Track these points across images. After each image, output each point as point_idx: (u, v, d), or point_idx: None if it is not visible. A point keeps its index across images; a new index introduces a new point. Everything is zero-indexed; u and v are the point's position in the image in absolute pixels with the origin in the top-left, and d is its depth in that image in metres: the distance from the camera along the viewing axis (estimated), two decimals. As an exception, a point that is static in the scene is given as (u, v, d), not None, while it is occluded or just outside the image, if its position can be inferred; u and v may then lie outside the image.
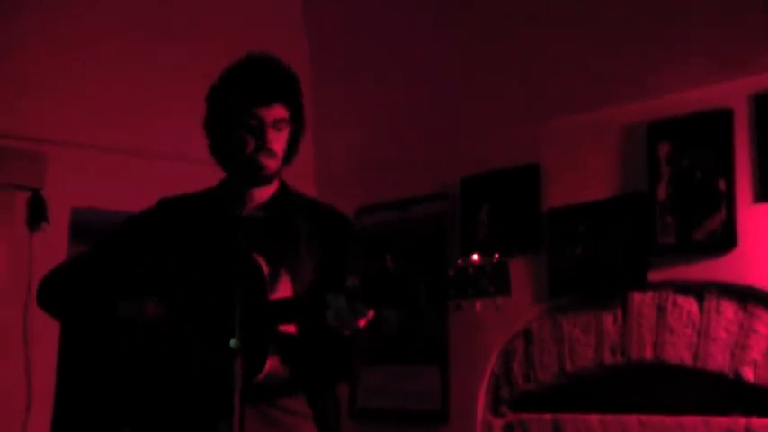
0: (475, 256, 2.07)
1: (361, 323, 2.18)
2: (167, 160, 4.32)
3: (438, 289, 2.10)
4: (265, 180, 2.46)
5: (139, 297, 2.36)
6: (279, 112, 2.41)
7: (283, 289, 2.34)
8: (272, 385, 2.30)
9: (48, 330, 4.14)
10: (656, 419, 3.67)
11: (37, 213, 4.19)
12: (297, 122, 2.48)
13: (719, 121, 3.58)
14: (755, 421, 3.43)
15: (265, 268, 2.31)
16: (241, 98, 2.41)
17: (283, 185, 2.54)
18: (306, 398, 2.40)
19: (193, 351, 2.30)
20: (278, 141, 2.42)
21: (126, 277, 2.41)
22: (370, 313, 2.17)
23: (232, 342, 2.10)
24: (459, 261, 2.08)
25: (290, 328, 2.33)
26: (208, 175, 2.57)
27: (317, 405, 2.41)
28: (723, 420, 3.50)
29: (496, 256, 2.07)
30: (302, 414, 2.39)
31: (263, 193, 2.48)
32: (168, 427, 2.34)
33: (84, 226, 4.13)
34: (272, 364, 2.26)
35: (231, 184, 2.50)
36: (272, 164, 2.42)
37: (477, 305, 2.08)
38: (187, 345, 2.31)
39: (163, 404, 2.33)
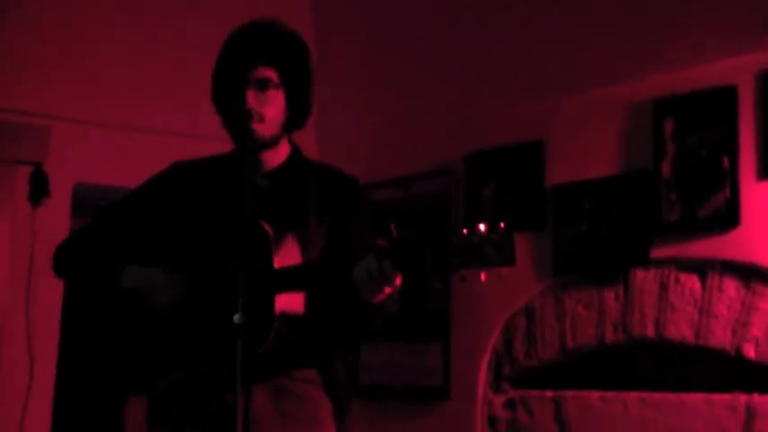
0: (481, 226, 2.03)
1: (388, 290, 2.13)
2: (171, 136, 4.30)
3: (443, 258, 2.06)
4: (259, 145, 2.37)
5: (148, 264, 2.34)
6: (264, 72, 2.34)
7: (288, 254, 2.31)
8: (283, 356, 2.29)
9: (50, 303, 4.15)
10: (658, 397, 3.68)
11: (39, 188, 4.19)
12: (293, 85, 2.39)
13: (724, 98, 3.57)
14: (757, 398, 3.44)
15: (271, 234, 2.27)
16: (228, 61, 2.38)
17: (295, 150, 2.49)
18: (316, 367, 2.40)
19: (199, 319, 2.30)
20: (266, 104, 2.34)
21: (137, 241, 2.40)
22: (398, 280, 2.13)
23: (236, 317, 2.10)
24: (465, 231, 2.05)
25: (297, 305, 2.32)
26: (214, 150, 2.55)
27: (327, 374, 2.41)
28: (724, 397, 3.51)
29: (501, 225, 2.03)
30: (314, 381, 2.39)
31: (275, 158, 2.43)
32: (173, 396, 2.33)
33: (86, 201, 4.13)
34: (276, 333, 2.24)
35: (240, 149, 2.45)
36: (260, 128, 2.34)
37: (482, 276, 2.04)
38: (192, 312, 2.31)
39: (168, 372, 2.33)
